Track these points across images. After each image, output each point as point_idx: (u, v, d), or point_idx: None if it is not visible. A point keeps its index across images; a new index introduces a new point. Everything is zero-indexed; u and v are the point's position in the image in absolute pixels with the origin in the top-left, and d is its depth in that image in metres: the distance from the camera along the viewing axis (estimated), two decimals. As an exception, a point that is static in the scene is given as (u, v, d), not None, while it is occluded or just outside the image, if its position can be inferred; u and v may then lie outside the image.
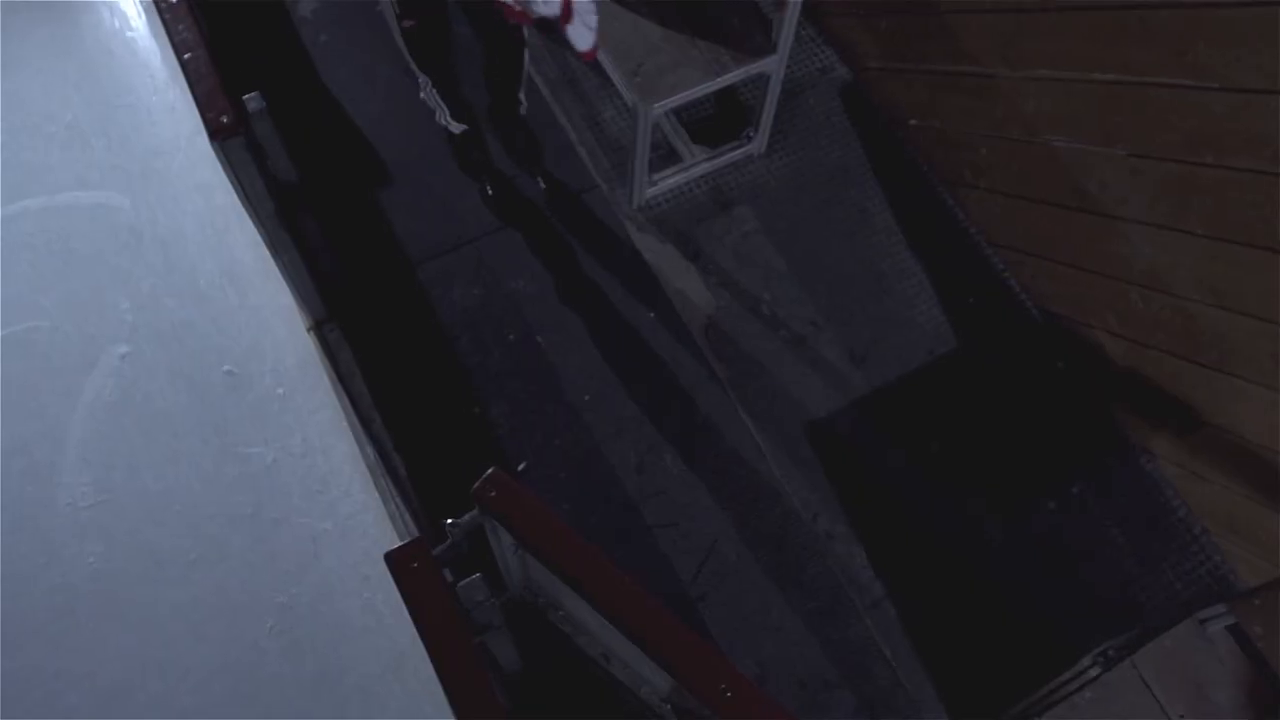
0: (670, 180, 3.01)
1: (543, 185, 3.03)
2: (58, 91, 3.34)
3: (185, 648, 2.63)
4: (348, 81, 3.18)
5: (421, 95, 2.75)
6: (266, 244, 2.48)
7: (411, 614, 1.70)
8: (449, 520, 1.80)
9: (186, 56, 2.24)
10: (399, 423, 2.70)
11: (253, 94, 2.29)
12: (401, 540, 2.66)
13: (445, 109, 2.75)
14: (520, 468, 2.60)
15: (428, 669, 2.69)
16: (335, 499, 2.77)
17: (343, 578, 2.71)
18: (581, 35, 2.82)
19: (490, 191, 3.00)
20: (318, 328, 2.79)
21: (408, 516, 2.60)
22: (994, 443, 2.76)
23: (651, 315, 2.84)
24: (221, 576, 2.71)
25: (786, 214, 3.04)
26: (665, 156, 3.04)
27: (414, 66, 2.66)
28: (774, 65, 2.78)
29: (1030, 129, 2.69)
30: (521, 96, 2.87)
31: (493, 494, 1.76)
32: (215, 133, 2.16)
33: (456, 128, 2.79)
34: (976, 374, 2.85)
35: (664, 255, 2.94)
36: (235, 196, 3.24)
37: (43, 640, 2.62)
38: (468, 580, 1.78)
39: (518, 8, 2.31)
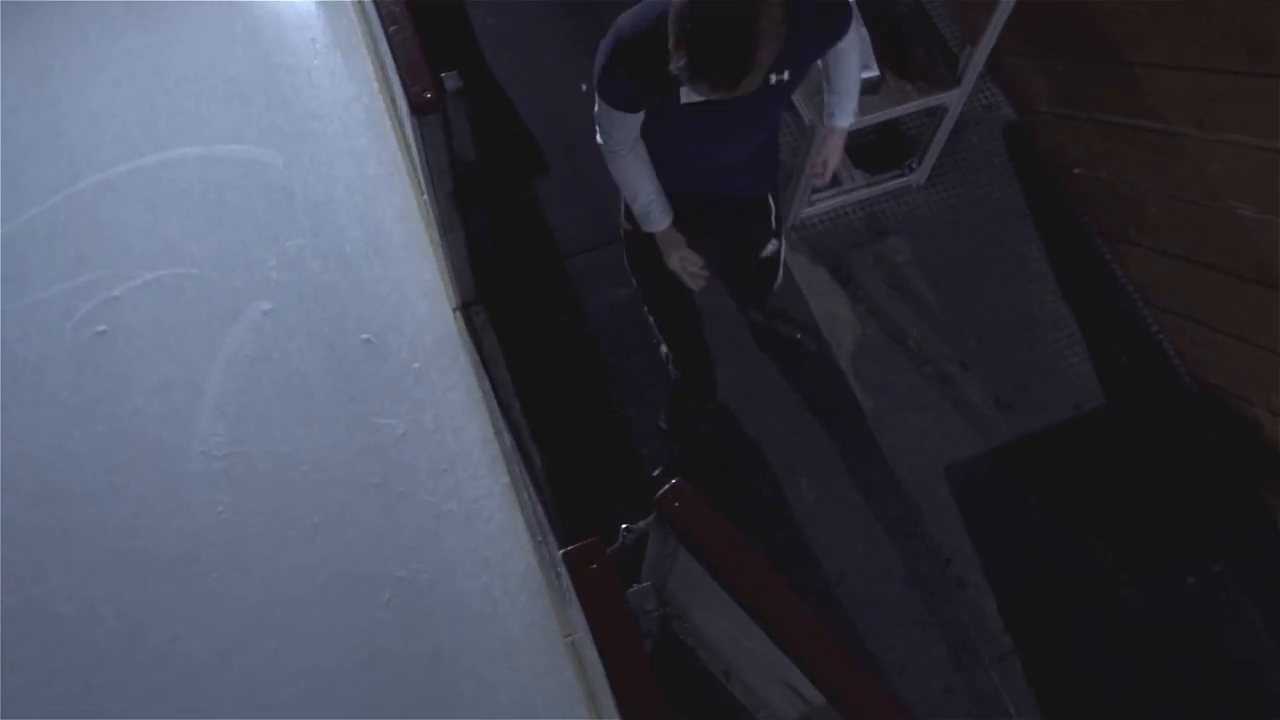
0: (828, 202, 3.06)
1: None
2: (223, 45, 3.49)
3: (303, 609, 2.73)
4: (512, 67, 3.27)
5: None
6: (435, 221, 2.58)
7: (585, 613, 1.76)
8: (625, 525, 1.86)
9: (393, 29, 2.34)
10: (537, 413, 2.77)
11: (451, 72, 2.37)
12: (530, 530, 2.75)
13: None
14: (655, 473, 2.66)
15: (540, 661, 2.79)
16: (462, 480, 2.85)
17: (463, 559, 2.79)
18: None
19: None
20: (464, 308, 2.88)
21: (539, 507, 2.67)
22: (1137, 508, 2.77)
23: (798, 336, 2.89)
24: (344, 543, 2.80)
25: (941, 249, 3.07)
26: (823, 177, 3.09)
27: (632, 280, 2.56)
28: (954, 99, 2.82)
29: (1212, 193, 2.69)
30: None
31: (675, 504, 1.83)
32: (417, 107, 2.26)
33: (674, 373, 2.71)
34: (1123, 435, 2.86)
35: (815, 276, 2.99)
36: (387, 167, 3.37)
37: (168, 582, 2.74)
38: (640, 588, 1.83)
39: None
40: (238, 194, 3.26)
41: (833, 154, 2.33)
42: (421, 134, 2.27)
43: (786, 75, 1.89)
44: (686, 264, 2.24)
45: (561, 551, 1.78)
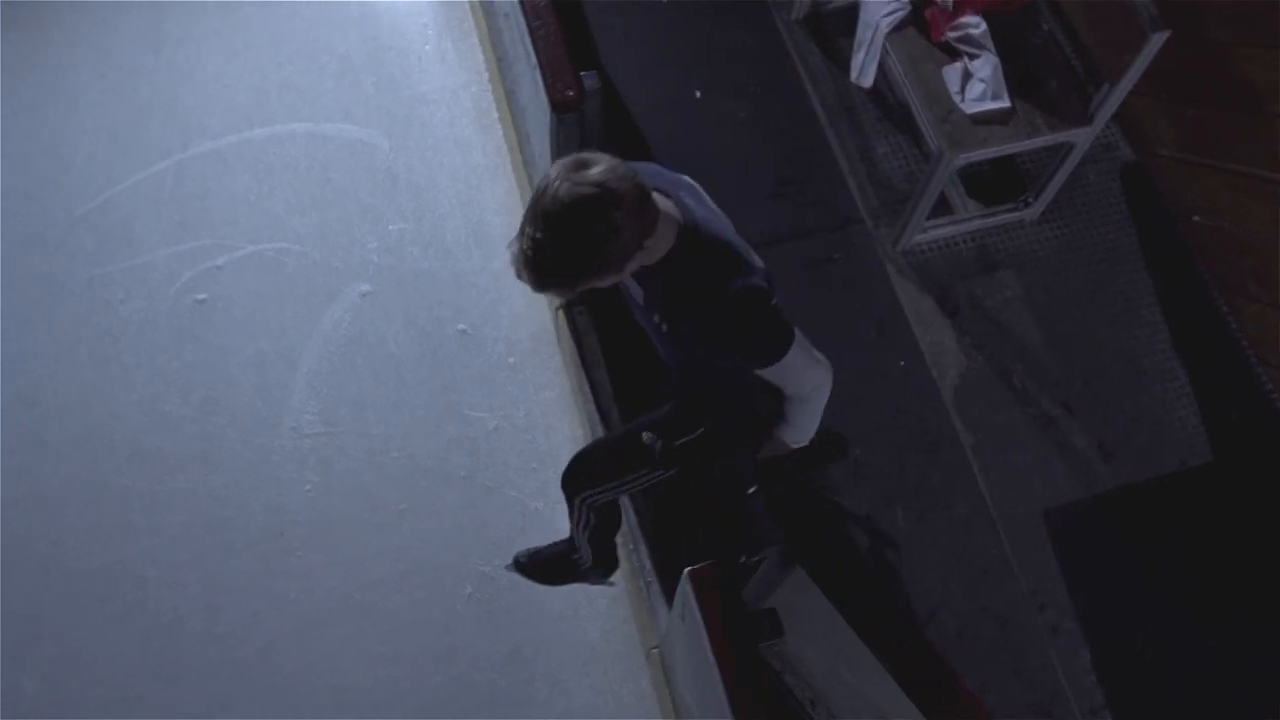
0: (940, 230, 3.06)
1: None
2: (337, 23, 3.56)
3: (384, 595, 2.78)
4: (625, 68, 3.30)
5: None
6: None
7: (709, 634, 1.77)
8: (751, 551, 1.88)
9: (537, 24, 2.38)
10: (632, 420, 2.79)
11: (590, 72, 2.40)
12: (622, 536, 2.76)
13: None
14: (750, 491, 2.66)
15: (617, 668, 2.81)
16: (549, 479, 2.88)
17: (546, 560, 2.82)
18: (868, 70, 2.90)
19: None
20: (568, 308, 2.90)
21: (631, 514, 2.69)
22: (1238, 571, 2.74)
23: (902, 364, 2.89)
24: (429, 532, 2.85)
25: (1051, 287, 3.06)
26: (936, 205, 3.09)
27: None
28: (1083, 138, 2.82)
29: (1343, 254, 2.67)
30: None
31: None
32: (558, 105, 2.29)
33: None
34: (1230, 494, 2.83)
35: (922, 305, 2.99)
36: (492, 158, 3.40)
37: (252, 556, 2.80)
38: (762, 611, 1.84)
39: None
40: (343, 173, 3.32)
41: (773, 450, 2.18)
42: (558, 132, 2.30)
43: (665, 329, 1.80)
44: None
45: (687, 570, 1.79)
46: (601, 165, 1.56)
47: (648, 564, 2.64)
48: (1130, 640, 2.64)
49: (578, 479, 2.27)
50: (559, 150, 2.37)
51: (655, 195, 1.62)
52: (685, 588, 1.80)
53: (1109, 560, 2.73)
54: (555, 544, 2.54)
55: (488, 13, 3.42)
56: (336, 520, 2.84)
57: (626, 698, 2.68)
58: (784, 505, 2.66)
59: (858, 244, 3.08)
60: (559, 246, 1.54)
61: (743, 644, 1.75)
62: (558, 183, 1.53)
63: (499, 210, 3.27)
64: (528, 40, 2.36)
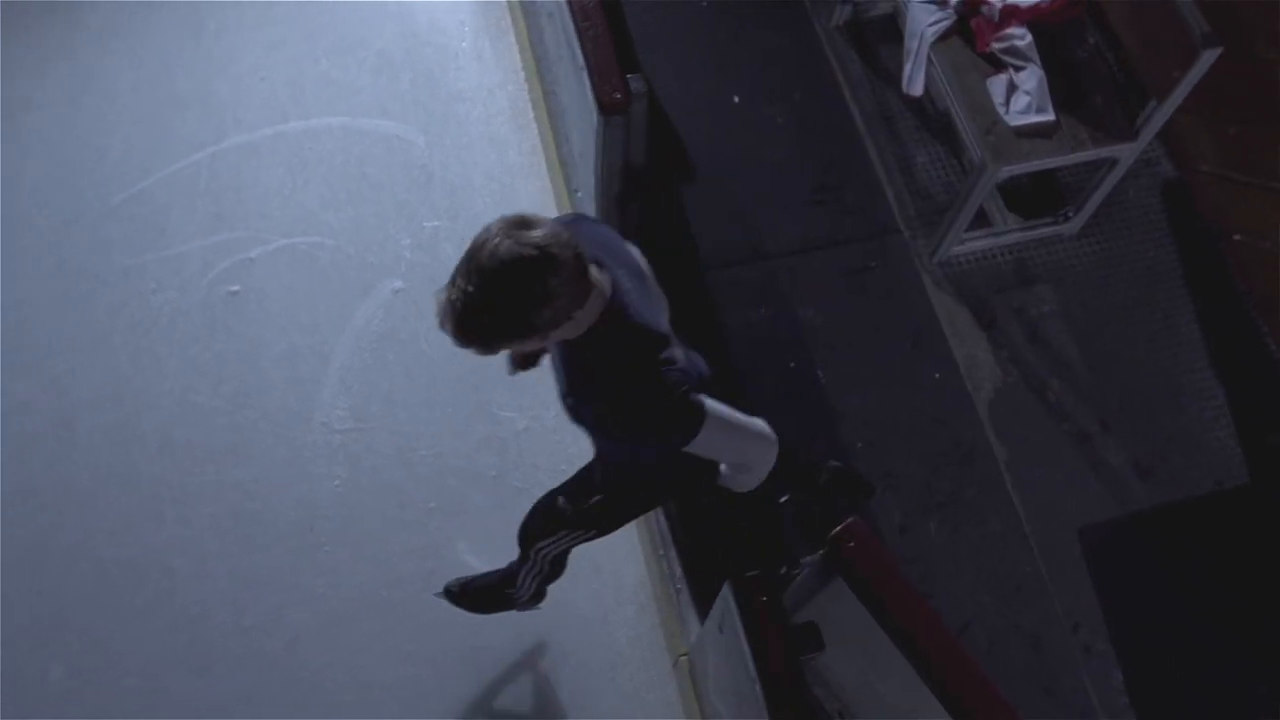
0: (977, 242, 3.06)
1: None
2: (375, 19, 3.57)
3: (411, 593, 2.78)
4: (663, 70, 3.30)
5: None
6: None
7: (750, 644, 1.77)
8: (792, 561, 1.88)
9: (586, 25, 2.38)
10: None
11: (636, 75, 2.40)
12: (647, 541, 2.77)
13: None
14: (782, 500, 2.66)
15: (643, 675, 2.81)
16: (579, 483, 2.87)
17: (575, 563, 2.79)
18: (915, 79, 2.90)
19: None
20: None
21: (663, 521, 2.69)
22: (1273, 595, 2.71)
23: (937, 376, 2.89)
24: (456, 532, 2.85)
25: (1088, 303, 3.05)
26: (974, 217, 3.08)
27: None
28: (1127, 153, 2.81)
29: (1390, 277, 2.65)
30: None
31: (850, 544, 1.84)
32: (605, 107, 2.29)
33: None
34: (1265, 517, 2.82)
35: (958, 317, 2.98)
36: (528, 158, 3.41)
37: (280, 550, 2.81)
38: (804, 624, 1.84)
39: None
40: (378, 169, 3.33)
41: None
42: (604, 135, 2.30)
43: (570, 403, 1.80)
44: None
45: (730, 580, 1.79)
46: (544, 228, 1.55)
47: (677, 570, 2.64)
48: (1164, 663, 2.63)
49: (530, 532, 2.29)
50: (604, 153, 2.37)
51: (591, 267, 1.59)
52: (727, 598, 1.80)
53: (1144, 581, 2.72)
54: (489, 575, 2.54)
55: (527, 12, 3.43)
56: (364, 516, 2.85)
57: (653, 704, 2.68)
58: (816, 514, 2.66)
59: (894, 253, 3.08)
60: (489, 304, 1.52)
61: (786, 658, 1.75)
62: (499, 239, 1.52)
63: (533, 209, 3.23)
64: (575, 41, 2.36)
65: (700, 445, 1.73)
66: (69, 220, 3.17)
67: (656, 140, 3.09)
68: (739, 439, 1.82)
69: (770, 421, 2.85)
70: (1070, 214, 3.08)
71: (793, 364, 2.89)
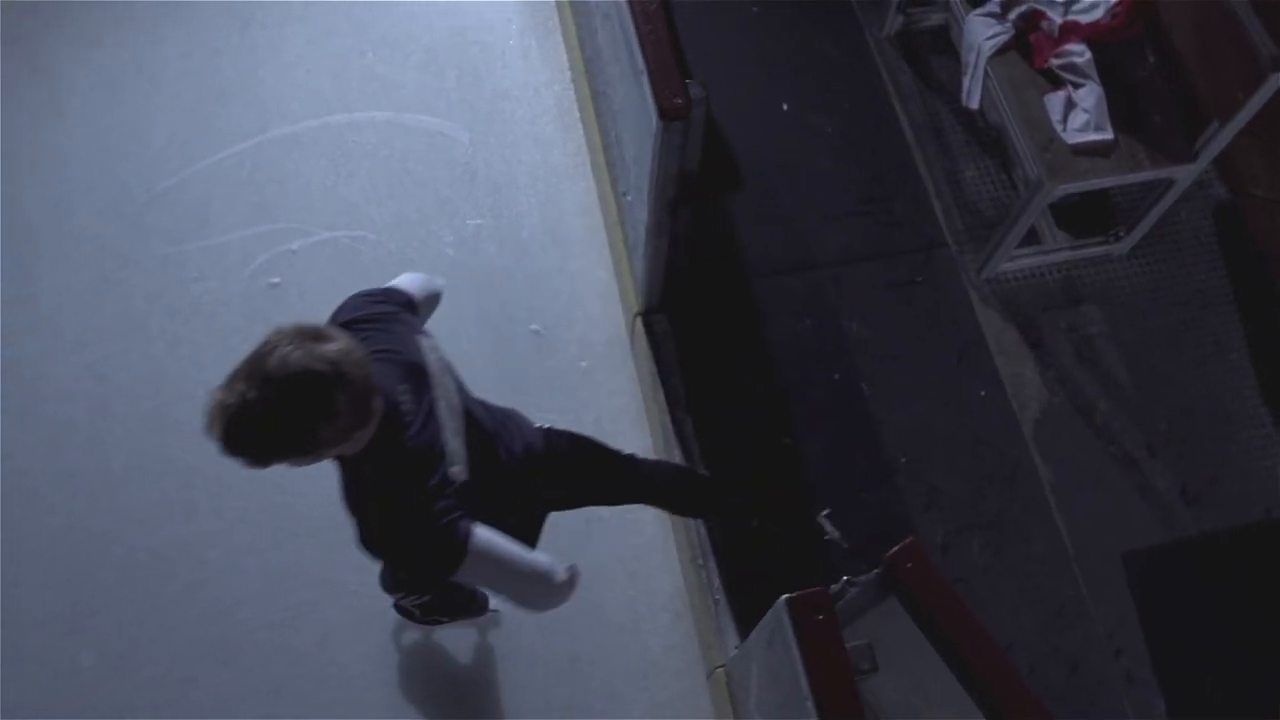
0: (1026, 260, 3.03)
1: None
2: (422, 14, 3.58)
3: (444, 593, 2.75)
4: (712, 76, 3.29)
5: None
6: (648, 226, 2.59)
7: (806, 663, 1.74)
8: (846, 578, 1.86)
9: (647, 28, 2.37)
10: (708, 432, 2.78)
11: (694, 80, 2.39)
12: (685, 550, 2.75)
13: None
14: (824, 514, 2.65)
15: (675, 685, 2.79)
16: (616, 488, 2.86)
17: (609, 568, 2.80)
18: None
19: None
20: (646, 315, 2.89)
21: (702, 531, 2.67)
22: (1321, 629, 2.68)
23: (982, 394, 2.86)
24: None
25: (1137, 325, 3.03)
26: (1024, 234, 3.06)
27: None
28: (1185, 175, 2.78)
29: None
30: None
31: (908, 565, 1.82)
32: (665, 112, 2.28)
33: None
34: (1314, 549, 2.78)
35: (1005, 335, 2.96)
36: (573, 159, 3.41)
37: (311, 545, 2.81)
38: (859, 644, 1.82)
39: None
40: (422, 165, 3.33)
41: None
42: (662, 139, 2.28)
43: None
44: None
45: (785, 597, 1.77)
46: (339, 344, 1.51)
47: (716, 581, 2.62)
48: (1207, 693, 2.59)
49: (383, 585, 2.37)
50: (661, 157, 2.35)
51: (375, 397, 1.57)
52: (781, 615, 1.77)
53: (1189, 608, 2.69)
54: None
55: (577, 12, 3.42)
56: (400, 514, 2.84)
57: (686, 716, 2.66)
58: (858, 531, 2.65)
59: (941, 268, 3.06)
60: (269, 413, 1.46)
61: (843, 677, 1.73)
62: (290, 348, 1.47)
63: (577, 211, 3.27)
64: (635, 44, 2.35)
65: (464, 579, 1.70)
66: (111, 206, 3.19)
67: (707, 146, 3.08)
68: (509, 578, 1.75)
69: (813, 429, 2.84)
70: (1121, 234, 3.06)
71: (837, 376, 2.87)
